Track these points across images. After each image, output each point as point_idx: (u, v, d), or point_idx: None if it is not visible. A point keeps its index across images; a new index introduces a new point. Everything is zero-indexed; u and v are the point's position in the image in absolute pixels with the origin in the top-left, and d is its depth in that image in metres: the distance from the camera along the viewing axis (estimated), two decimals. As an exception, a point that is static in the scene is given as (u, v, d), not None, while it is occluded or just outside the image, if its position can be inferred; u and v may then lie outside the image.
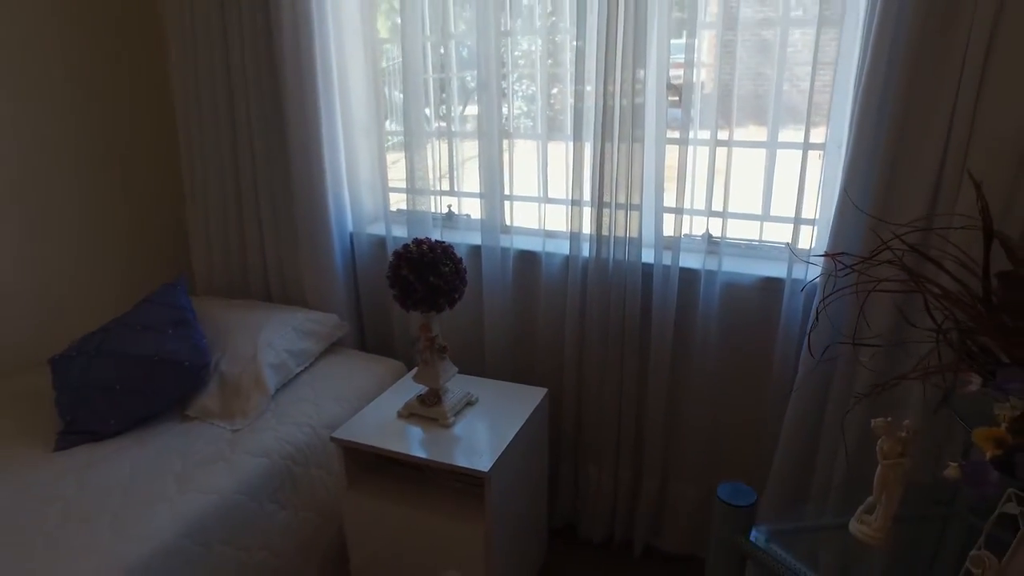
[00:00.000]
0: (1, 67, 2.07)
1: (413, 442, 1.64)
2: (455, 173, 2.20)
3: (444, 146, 2.16)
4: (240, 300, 2.31)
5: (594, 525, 2.11)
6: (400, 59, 2.07)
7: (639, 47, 1.69)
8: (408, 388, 1.87)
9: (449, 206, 2.23)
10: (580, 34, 1.77)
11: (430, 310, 1.62)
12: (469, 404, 1.80)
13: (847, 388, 1.57)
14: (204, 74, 2.20)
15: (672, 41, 1.73)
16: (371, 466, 1.81)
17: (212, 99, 2.22)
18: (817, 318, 1.47)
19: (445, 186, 2.21)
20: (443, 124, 2.15)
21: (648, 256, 1.85)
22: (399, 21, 2.02)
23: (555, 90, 1.96)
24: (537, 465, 1.90)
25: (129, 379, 1.84)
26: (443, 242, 1.63)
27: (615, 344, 1.91)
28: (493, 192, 2.01)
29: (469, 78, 2.11)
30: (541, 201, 2.02)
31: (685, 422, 1.93)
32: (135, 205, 2.50)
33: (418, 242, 1.61)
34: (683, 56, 1.70)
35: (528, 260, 2.04)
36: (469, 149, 2.16)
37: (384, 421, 1.73)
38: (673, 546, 2.05)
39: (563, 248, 1.96)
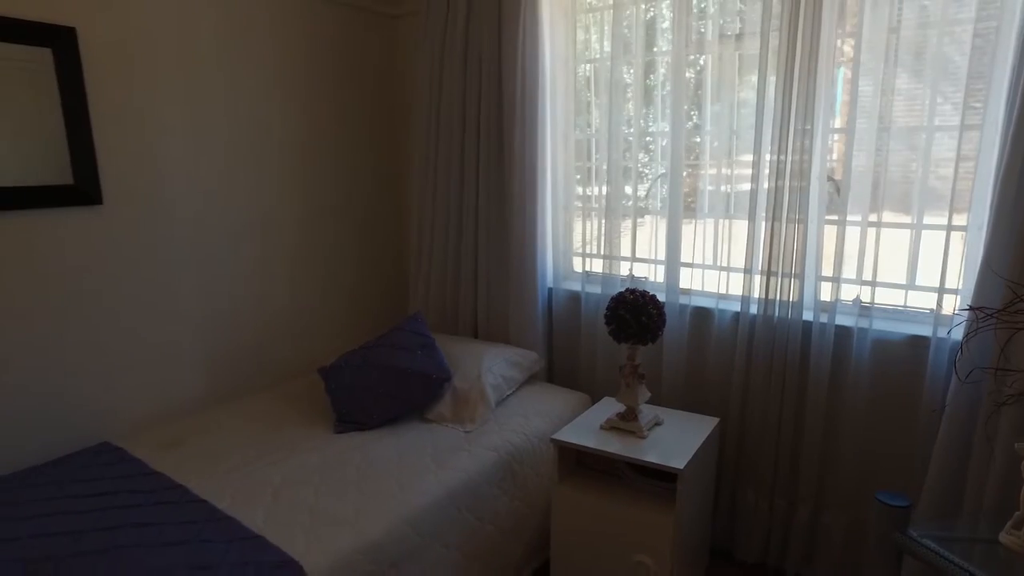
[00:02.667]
0: (290, 144, 2.84)
1: (617, 446, 2.08)
2: (635, 243, 2.71)
3: (630, 221, 2.68)
4: (456, 336, 2.88)
5: (749, 548, 2.43)
6: (596, 151, 2.66)
7: (807, 142, 2.16)
8: (605, 409, 2.32)
9: (630, 269, 2.73)
10: (757, 128, 2.26)
11: (637, 343, 2.09)
12: (657, 424, 2.23)
13: (991, 415, 1.86)
14: (443, 153, 2.87)
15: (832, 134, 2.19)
16: (574, 468, 2.25)
17: (447, 174, 2.88)
18: (962, 349, 1.82)
19: (627, 253, 2.72)
20: (628, 203, 2.67)
21: (808, 315, 2.25)
22: (600, 120, 2.62)
23: (726, 186, 2.45)
24: (707, 483, 2.27)
25: (388, 385, 2.41)
26: (649, 292, 2.12)
27: (776, 384, 2.29)
28: (675, 260, 2.50)
29: (654, 163, 2.65)
30: (715, 268, 2.48)
31: (838, 455, 2.25)
32: (367, 252, 3.20)
33: (631, 291, 2.11)
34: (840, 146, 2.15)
35: (702, 315, 2.48)
36: (648, 222, 2.67)
37: (590, 430, 2.19)
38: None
39: (733, 306, 2.40)
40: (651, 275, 2.69)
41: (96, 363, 2.28)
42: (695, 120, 2.49)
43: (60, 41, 2.09)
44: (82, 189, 2.19)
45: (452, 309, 3.00)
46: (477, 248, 2.87)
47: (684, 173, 2.49)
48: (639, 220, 2.67)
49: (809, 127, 2.14)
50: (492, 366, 2.54)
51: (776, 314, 2.28)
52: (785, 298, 2.27)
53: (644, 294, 2.09)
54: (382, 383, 2.43)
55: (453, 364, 2.54)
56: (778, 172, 2.21)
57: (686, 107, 2.46)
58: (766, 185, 2.26)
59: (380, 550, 1.76)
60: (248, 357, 2.76)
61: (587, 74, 2.73)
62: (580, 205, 2.81)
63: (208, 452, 2.15)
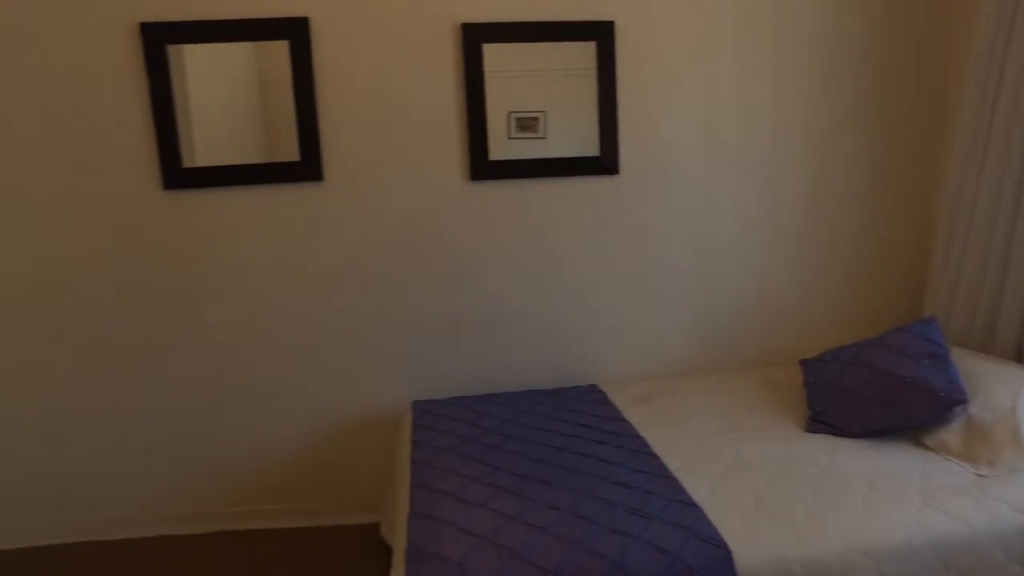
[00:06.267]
0: (803, 125, 2.62)
1: None
2: None
3: None
4: (986, 354, 2.26)
5: None
6: None
7: None
8: None
9: None
10: None
11: None
12: None
13: None
14: (1000, 121, 2.22)
15: None
16: None
17: (1003, 145, 2.23)
18: None
19: None
20: None
21: None
22: None
23: None
24: None
25: (879, 392, 2.05)
26: None
27: None
28: None
29: None
30: None
31: None
32: (881, 242, 2.75)
33: None
34: None
35: None
36: None
37: None
38: None
39: None
40: None
41: (593, 316, 2.61)
42: None
43: (603, 34, 2.41)
44: (604, 162, 2.49)
45: (986, 320, 2.34)
46: (1038, 245, 2.16)
47: None
48: None
49: None
50: (1036, 400, 1.90)
51: None
52: None
53: None
54: (871, 388, 2.08)
55: (973, 386, 2.00)
56: None
57: None
58: None
59: (827, 573, 1.52)
60: (735, 335, 2.73)
61: None
62: None
63: (673, 414, 2.22)
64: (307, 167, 2.38)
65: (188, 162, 2.34)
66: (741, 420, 2.16)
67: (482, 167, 2.46)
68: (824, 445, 2.00)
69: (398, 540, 1.70)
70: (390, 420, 2.56)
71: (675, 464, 1.88)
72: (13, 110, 2.27)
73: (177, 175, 2.34)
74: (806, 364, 2.37)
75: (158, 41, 2.24)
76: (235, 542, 2.53)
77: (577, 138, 2.49)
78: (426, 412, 2.33)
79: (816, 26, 2.54)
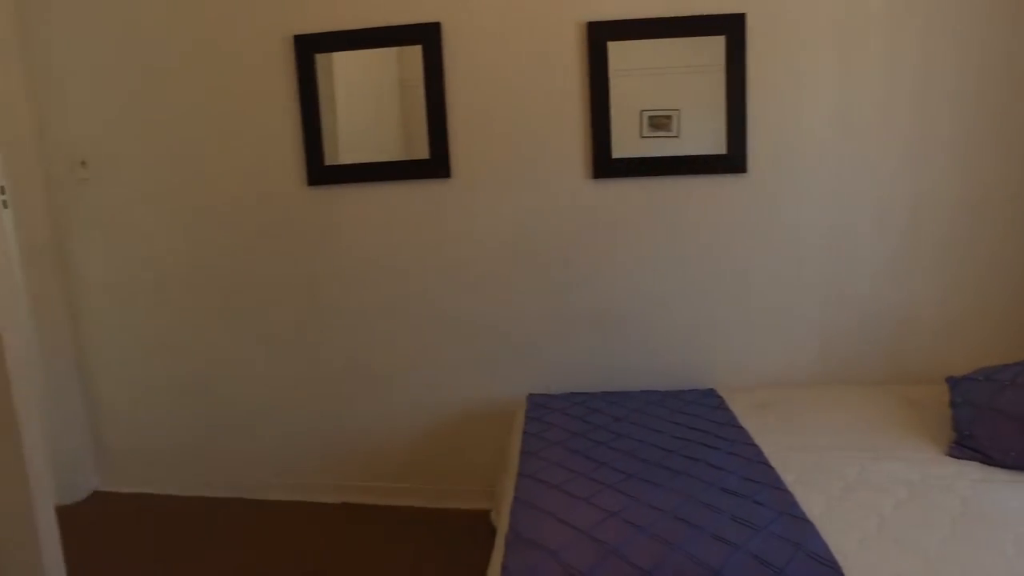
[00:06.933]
0: (964, 115, 2.35)
1: None
2: None
3: None
4: None
5: None
6: None
7: None
8: None
9: None
10: None
11: None
12: None
13: None
14: None
15: None
16: None
17: None
18: None
19: None
20: None
21: None
22: None
23: None
24: None
25: (1042, 419, 1.82)
26: None
27: None
28: None
29: None
30: None
31: None
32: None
33: None
34: None
35: None
36: None
37: None
38: None
39: None
40: None
41: (715, 318, 2.53)
42: None
43: (733, 28, 2.32)
44: (732, 160, 2.40)
45: None
46: None
47: None
48: None
49: None
50: None
51: None
52: None
53: None
54: (1032, 414, 1.85)
55: None
56: None
57: None
58: None
59: (959, 612, 1.38)
60: (866, 345, 2.52)
61: None
62: None
63: (793, 424, 2.11)
64: (436, 165, 2.51)
65: (331, 160, 2.56)
66: (869, 436, 2.00)
67: (605, 165, 2.46)
68: (970, 473, 1.80)
69: (501, 526, 1.75)
70: (507, 411, 2.63)
71: (790, 476, 1.78)
72: (194, 118, 2.61)
73: (319, 173, 2.56)
74: (953, 382, 2.14)
75: (308, 51, 2.47)
76: (355, 515, 2.73)
77: (707, 136, 2.42)
78: (540, 405, 2.38)
79: (969, 16, 2.28)
